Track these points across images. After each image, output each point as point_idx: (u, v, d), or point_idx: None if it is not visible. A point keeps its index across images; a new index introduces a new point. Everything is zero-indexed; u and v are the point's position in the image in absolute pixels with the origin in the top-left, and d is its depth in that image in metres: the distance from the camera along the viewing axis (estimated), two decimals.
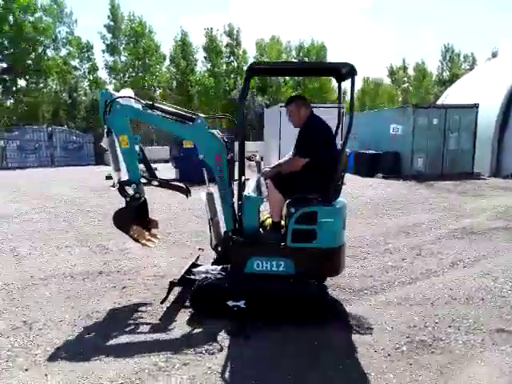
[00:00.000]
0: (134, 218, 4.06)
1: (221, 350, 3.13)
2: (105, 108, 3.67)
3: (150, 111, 3.80)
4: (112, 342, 3.29)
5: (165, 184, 4.19)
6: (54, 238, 6.51)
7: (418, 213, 8.35)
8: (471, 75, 21.89)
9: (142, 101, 3.85)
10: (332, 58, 47.20)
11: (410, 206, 9.08)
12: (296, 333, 3.37)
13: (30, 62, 28.51)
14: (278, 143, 13.24)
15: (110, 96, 3.75)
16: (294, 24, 75.18)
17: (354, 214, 8.22)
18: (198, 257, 4.62)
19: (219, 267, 3.91)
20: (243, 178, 3.67)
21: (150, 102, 3.81)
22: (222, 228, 3.90)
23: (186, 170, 11.19)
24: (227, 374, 2.85)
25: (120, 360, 3.00)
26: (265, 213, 4.06)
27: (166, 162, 20.85)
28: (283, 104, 11.69)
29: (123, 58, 34.01)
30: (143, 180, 3.97)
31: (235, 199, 3.75)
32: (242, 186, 3.67)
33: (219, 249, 3.92)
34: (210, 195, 3.92)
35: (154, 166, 15.63)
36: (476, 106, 14.83)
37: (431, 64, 74.61)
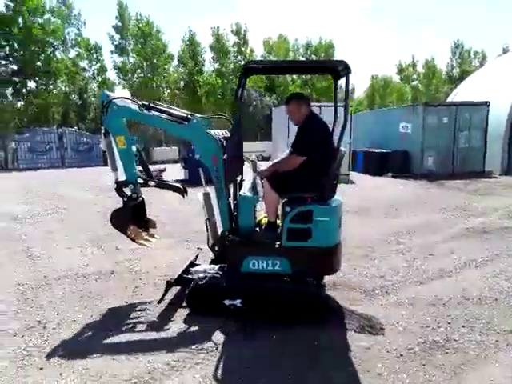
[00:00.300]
0: (131, 218, 4.10)
1: (230, 349, 3.15)
2: (102, 109, 3.72)
3: (146, 112, 3.83)
4: (124, 341, 3.32)
5: (161, 184, 4.23)
6: (65, 238, 6.58)
7: (429, 212, 8.29)
8: (481, 72, 21.64)
9: (139, 101, 3.89)
10: (340, 56, 47.01)
11: (420, 206, 9.02)
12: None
13: (39, 63, 28.79)
14: (286, 142, 13.21)
15: (106, 97, 3.79)
16: (301, 22, 74.96)
17: (364, 213, 8.20)
18: (196, 256, 4.64)
19: (217, 267, 3.94)
20: (239, 177, 3.68)
21: (147, 103, 3.85)
22: (219, 228, 3.93)
23: (195, 170, 11.24)
24: (233, 375, 2.86)
25: (133, 359, 3.03)
26: (261, 212, 4.07)
27: (175, 162, 20.94)
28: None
29: (131, 59, 34.22)
30: (140, 180, 4.02)
31: (231, 199, 3.77)
32: (238, 186, 3.70)
33: (216, 248, 3.96)
34: (206, 195, 3.95)
35: (162, 166, 15.68)
36: (487, 103, 14.68)
37: (440, 61, 74.16)
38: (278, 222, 3.82)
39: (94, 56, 34.45)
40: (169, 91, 36.45)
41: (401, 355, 3.07)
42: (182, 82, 36.97)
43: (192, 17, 74.07)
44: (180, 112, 3.91)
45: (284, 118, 13.24)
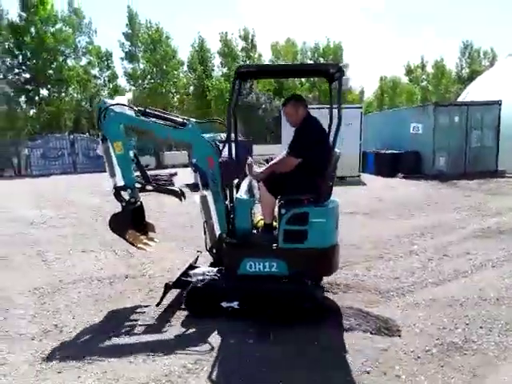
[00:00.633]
0: (129, 222, 4.15)
1: (241, 351, 3.15)
2: (99, 115, 3.77)
3: (143, 118, 3.88)
4: (140, 343, 3.34)
5: (159, 189, 4.28)
6: (78, 242, 6.65)
7: (443, 213, 8.20)
8: (492, 71, 21.41)
9: (135, 107, 3.95)
10: (348, 58, 46.89)
11: (433, 206, 8.93)
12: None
13: (51, 71, 29.17)
14: None
15: (103, 103, 3.86)
16: (309, 26, 75.03)
17: (376, 215, 8.14)
18: (196, 258, 4.65)
19: (215, 269, 3.96)
20: (235, 180, 3.71)
21: (142, 109, 3.91)
22: (217, 230, 3.94)
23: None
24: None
25: (150, 362, 3.05)
26: (258, 214, 4.09)
27: (185, 166, 21.03)
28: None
29: (141, 65, 34.52)
30: (138, 185, 4.07)
31: (228, 202, 3.78)
32: (234, 189, 3.74)
33: (214, 251, 3.99)
34: (203, 198, 3.97)
35: (173, 170, 15.83)
36: (499, 102, 14.50)
37: (449, 61, 73.45)
38: (275, 223, 3.84)
39: (105, 63, 34.82)
40: (178, 96, 36.65)
41: (418, 357, 3.03)
42: (191, 88, 37.18)
43: (199, 22, 74.47)
44: (175, 117, 3.97)
45: None
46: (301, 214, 3.51)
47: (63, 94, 31.25)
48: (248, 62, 37.84)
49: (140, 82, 34.47)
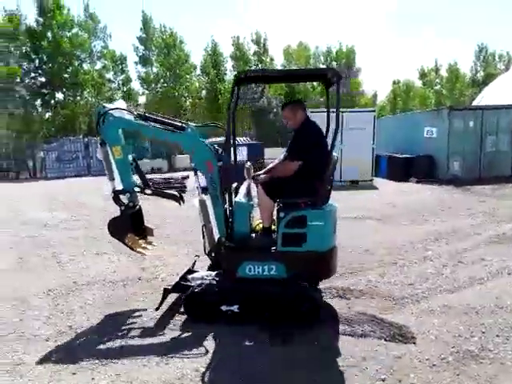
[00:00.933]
0: (128, 226, 4.17)
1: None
2: (98, 119, 3.81)
3: (142, 122, 3.90)
4: (154, 344, 3.36)
5: (158, 192, 4.30)
6: (91, 244, 6.71)
7: (457, 218, 8.08)
8: (507, 75, 21.13)
9: (134, 112, 3.98)
10: (361, 62, 46.67)
11: (447, 212, 8.81)
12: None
13: (67, 75, 29.66)
14: None
15: (102, 108, 3.90)
16: (321, 30, 74.97)
17: (389, 220, 8.07)
18: (194, 263, 4.65)
19: (214, 273, 3.97)
20: (234, 184, 3.74)
21: (142, 113, 3.94)
22: (216, 234, 3.94)
23: None
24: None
25: (163, 365, 3.06)
26: (257, 218, 4.09)
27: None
28: (312, 110, 11.68)
29: (155, 69, 34.86)
30: (137, 189, 4.09)
31: (227, 205, 3.79)
32: (232, 192, 3.76)
33: (213, 255, 3.99)
34: (202, 202, 3.98)
35: (185, 174, 15.88)
36: None
37: (463, 65, 72.64)
38: (273, 227, 3.86)
39: (120, 67, 35.25)
40: (190, 100, 36.88)
41: (434, 365, 2.99)
42: (203, 91, 37.38)
43: (211, 26, 74.98)
44: (174, 121, 3.99)
45: None
46: (299, 217, 3.54)
47: (78, 98, 31.72)
48: (260, 66, 37.95)
49: (153, 85, 34.83)
